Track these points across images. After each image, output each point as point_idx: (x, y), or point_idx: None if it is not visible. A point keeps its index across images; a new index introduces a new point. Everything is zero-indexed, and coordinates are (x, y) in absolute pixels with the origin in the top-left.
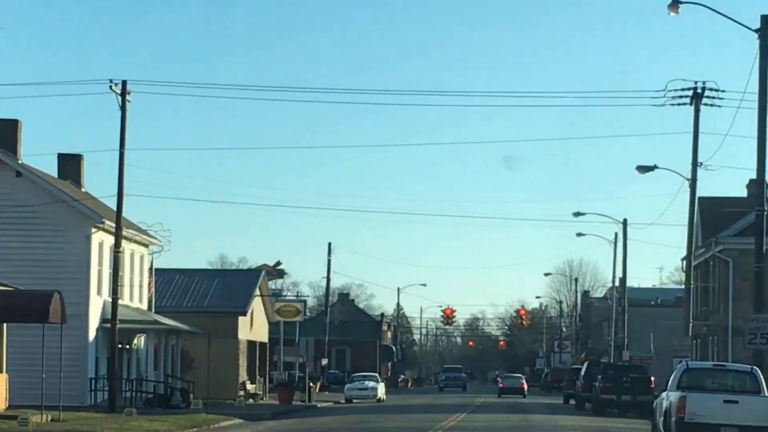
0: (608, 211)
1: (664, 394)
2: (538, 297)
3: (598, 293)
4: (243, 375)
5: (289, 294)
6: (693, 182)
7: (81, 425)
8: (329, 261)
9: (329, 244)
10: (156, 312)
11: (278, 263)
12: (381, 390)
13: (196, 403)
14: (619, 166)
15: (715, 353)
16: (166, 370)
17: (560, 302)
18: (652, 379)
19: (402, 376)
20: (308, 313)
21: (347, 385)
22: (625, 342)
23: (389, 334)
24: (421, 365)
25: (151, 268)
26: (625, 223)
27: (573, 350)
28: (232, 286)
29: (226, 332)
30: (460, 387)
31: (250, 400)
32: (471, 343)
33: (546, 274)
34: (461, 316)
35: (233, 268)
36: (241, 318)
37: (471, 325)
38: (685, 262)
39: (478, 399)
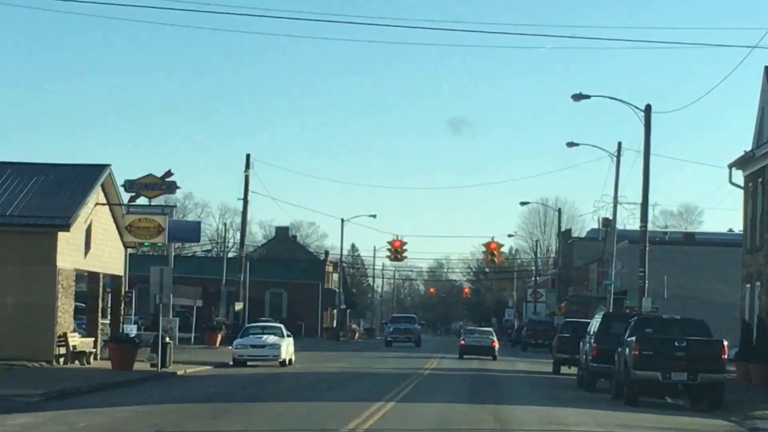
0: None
1: None
2: (511, 235)
3: (576, 235)
4: (66, 323)
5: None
6: None
7: None
8: (246, 177)
9: (247, 156)
10: None
11: (169, 173)
12: (286, 348)
13: None
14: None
15: None
16: None
17: (536, 241)
18: (726, 344)
19: (353, 326)
20: (204, 239)
21: (236, 341)
22: (646, 285)
23: (335, 276)
24: (377, 314)
25: None
26: (648, 110)
27: (550, 299)
28: (59, 187)
29: (37, 256)
30: (412, 342)
31: (76, 363)
32: (432, 290)
33: (523, 204)
34: (423, 260)
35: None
36: (61, 235)
37: (435, 271)
38: (736, 170)
39: (429, 362)
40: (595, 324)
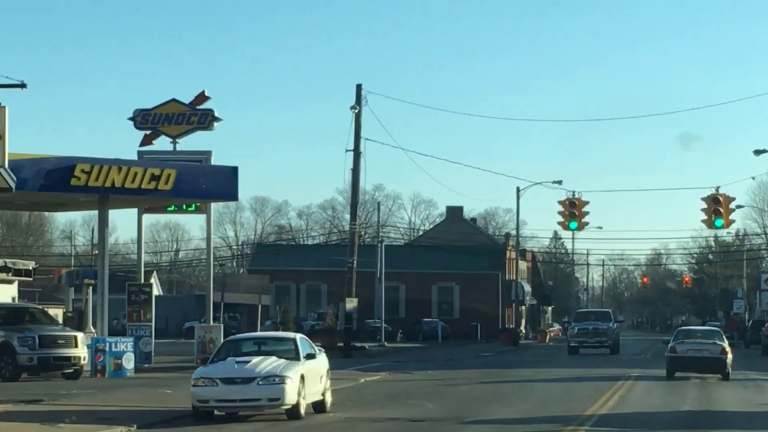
0: None
1: None
2: (740, 206)
3: None
4: None
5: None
6: None
7: None
8: (357, 116)
9: (358, 87)
10: None
11: (202, 96)
12: (297, 382)
13: None
14: None
15: None
16: None
17: None
18: None
19: (554, 325)
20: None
21: (201, 370)
22: None
23: (524, 266)
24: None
25: None
26: None
27: None
28: None
29: None
30: (605, 346)
31: None
32: (646, 279)
33: (758, 153)
34: (640, 250)
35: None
36: None
37: (653, 261)
38: None
39: (606, 393)
40: None
